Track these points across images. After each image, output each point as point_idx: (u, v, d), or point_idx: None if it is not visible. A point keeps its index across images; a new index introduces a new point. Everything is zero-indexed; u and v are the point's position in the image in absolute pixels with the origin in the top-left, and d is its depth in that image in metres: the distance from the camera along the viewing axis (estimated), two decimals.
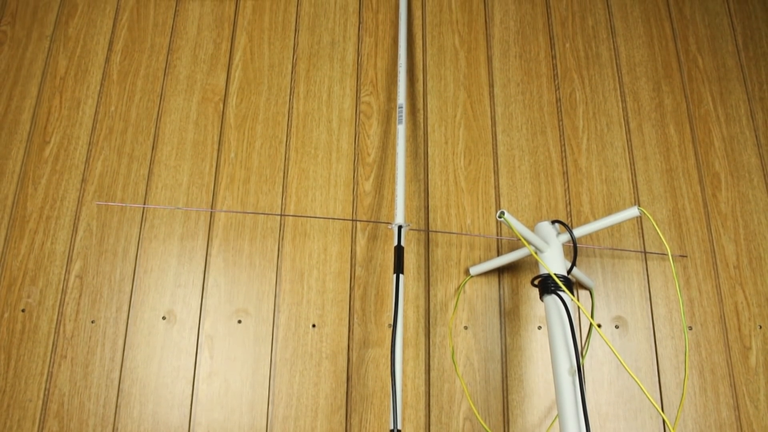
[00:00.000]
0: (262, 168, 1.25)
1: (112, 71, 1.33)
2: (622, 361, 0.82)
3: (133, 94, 1.31)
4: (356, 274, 1.17)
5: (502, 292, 1.17)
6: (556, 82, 1.34)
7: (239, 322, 1.14)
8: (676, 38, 1.40)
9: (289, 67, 1.34)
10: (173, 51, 1.35)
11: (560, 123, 1.31)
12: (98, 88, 1.31)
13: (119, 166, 1.25)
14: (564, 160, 1.27)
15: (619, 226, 1.23)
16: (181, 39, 1.36)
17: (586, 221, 1.22)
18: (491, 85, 1.33)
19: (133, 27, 1.37)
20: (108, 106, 1.30)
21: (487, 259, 1.19)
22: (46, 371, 1.10)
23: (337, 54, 1.35)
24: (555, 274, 0.94)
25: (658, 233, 1.18)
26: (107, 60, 1.34)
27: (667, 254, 1.21)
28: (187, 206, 1.22)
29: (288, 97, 1.31)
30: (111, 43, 1.35)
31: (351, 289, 1.16)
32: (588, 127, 1.31)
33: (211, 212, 1.21)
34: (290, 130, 1.28)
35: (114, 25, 1.37)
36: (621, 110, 1.32)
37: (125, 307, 1.14)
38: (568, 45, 1.38)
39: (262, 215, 1.21)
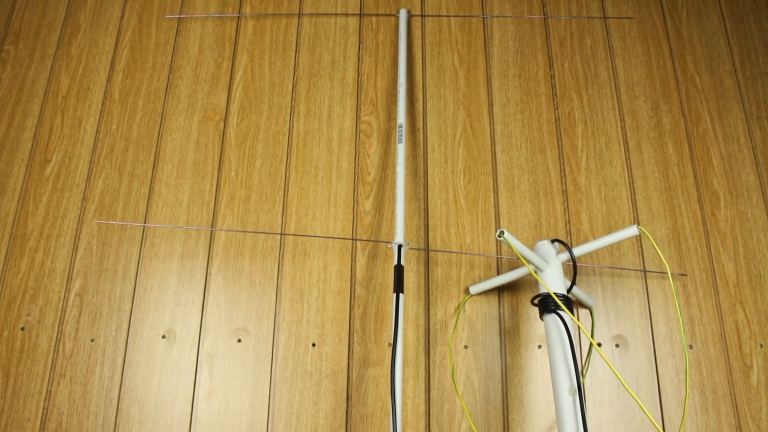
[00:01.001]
0: (263, 187, 1.25)
1: (113, 90, 1.34)
2: (622, 381, 0.82)
3: (135, 113, 1.32)
4: (356, 293, 1.17)
5: (502, 311, 1.17)
6: (555, 102, 1.35)
7: (239, 341, 1.14)
8: (673, 58, 1.41)
9: (290, 86, 1.35)
10: (174, 70, 1.36)
11: (559, 142, 1.31)
12: (100, 107, 1.32)
13: (120, 185, 1.25)
14: (563, 179, 1.28)
15: (618, 244, 1.23)
16: (183, 58, 1.37)
17: (586, 240, 1.23)
18: (490, 105, 1.34)
19: (135, 46, 1.38)
20: (109, 124, 1.30)
21: (487, 278, 1.19)
22: (44, 390, 1.10)
23: (338, 74, 1.36)
24: (555, 293, 0.94)
25: (657, 252, 1.18)
26: (109, 79, 1.35)
27: (666, 273, 1.21)
28: (187, 225, 1.22)
29: (288, 117, 1.32)
30: (113, 62, 1.37)
31: (351, 308, 1.16)
32: (587, 146, 1.31)
33: (212, 231, 1.21)
34: (290, 149, 1.29)
35: (116, 45, 1.38)
36: (620, 129, 1.33)
37: (125, 326, 1.14)
38: (566, 65, 1.39)
39: (263, 234, 1.21)
